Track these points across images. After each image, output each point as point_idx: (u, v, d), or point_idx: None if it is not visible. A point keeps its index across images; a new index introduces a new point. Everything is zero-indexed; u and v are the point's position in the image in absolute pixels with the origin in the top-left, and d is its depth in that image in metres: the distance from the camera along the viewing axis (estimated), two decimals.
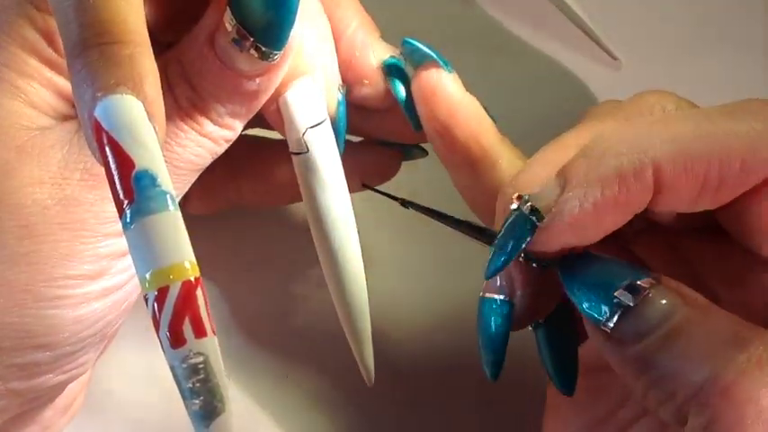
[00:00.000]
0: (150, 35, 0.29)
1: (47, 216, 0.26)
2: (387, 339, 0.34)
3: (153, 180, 0.22)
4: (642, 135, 0.26)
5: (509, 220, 0.27)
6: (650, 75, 0.44)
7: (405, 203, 0.30)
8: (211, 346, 0.21)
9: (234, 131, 0.29)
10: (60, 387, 0.30)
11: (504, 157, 0.32)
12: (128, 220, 0.22)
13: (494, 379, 0.29)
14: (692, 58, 0.44)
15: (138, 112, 0.22)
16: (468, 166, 0.32)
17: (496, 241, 0.27)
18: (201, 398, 0.21)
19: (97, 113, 0.22)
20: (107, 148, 0.22)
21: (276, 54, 0.27)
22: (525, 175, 0.29)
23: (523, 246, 0.27)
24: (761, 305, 0.29)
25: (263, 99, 0.29)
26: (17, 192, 0.26)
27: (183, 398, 0.21)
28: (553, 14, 0.45)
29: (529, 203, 0.27)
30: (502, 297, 0.29)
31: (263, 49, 0.27)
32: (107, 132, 0.22)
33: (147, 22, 0.29)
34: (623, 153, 0.26)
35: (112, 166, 0.22)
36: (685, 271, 0.30)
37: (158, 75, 0.23)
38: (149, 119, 0.22)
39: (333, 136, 0.31)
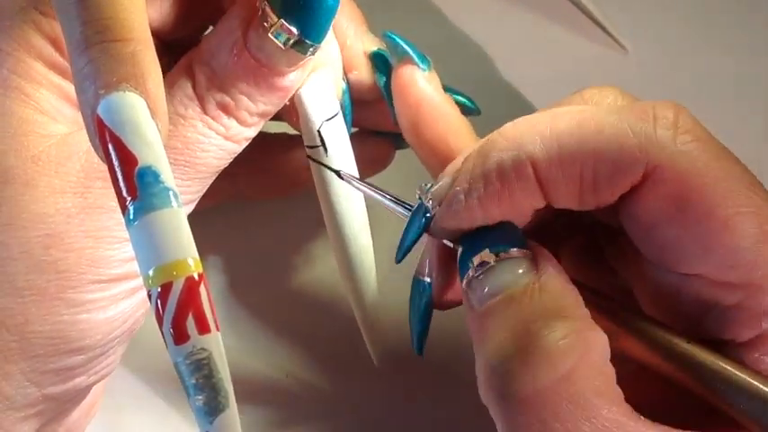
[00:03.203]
0: (157, 34, 0.29)
1: (71, 225, 0.27)
2: (391, 336, 0.35)
3: (156, 177, 0.22)
4: (526, 132, 0.27)
5: (413, 210, 0.29)
6: (656, 63, 0.44)
7: (339, 175, 0.31)
8: (215, 342, 0.21)
9: (257, 130, 0.29)
10: (89, 388, 0.30)
11: None
12: (131, 216, 0.22)
13: (419, 352, 0.31)
14: (697, 47, 0.45)
15: (140, 108, 0.22)
16: (437, 163, 0.32)
17: (403, 229, 0.29)
18: (205, 394, 0.21)
19: (100, 111, 0.22)
20: (110, 146, 0.22)
21: (315, 47, 0.27)
22: (456, 163, 0.30)
23: (420, 234, 0.29)
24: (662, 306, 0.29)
25: (291, 94, 0.29)
26: (40, 201, 0.27)
27: (187, 394, 0.21)
28: (561, 3, 0.45)
29: (428, 194, 0.29)
30: (428, 280, 0.30)
31: (307, 42, 0.27)
32: (110, 129, 0.22)
33: (157, 20, 0.29)
34: (506, 149, 0.27)
35: (115, 163, 0.22)
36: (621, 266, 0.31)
37: (161, 72, 0.23)
38: (152, 116, 0.23)
39: (345, 128, 0.32)
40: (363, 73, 0.33)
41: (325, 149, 0.31)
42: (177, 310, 0.21)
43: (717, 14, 0.46)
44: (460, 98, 0.34)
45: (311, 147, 0.31)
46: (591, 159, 0.26)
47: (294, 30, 0.27)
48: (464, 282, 0.27)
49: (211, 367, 0.21)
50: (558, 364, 0.25)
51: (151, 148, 0.22)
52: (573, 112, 0.27)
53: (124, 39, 0.23)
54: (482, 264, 0.27)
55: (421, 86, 0.32)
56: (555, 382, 0.24)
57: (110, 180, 0.26)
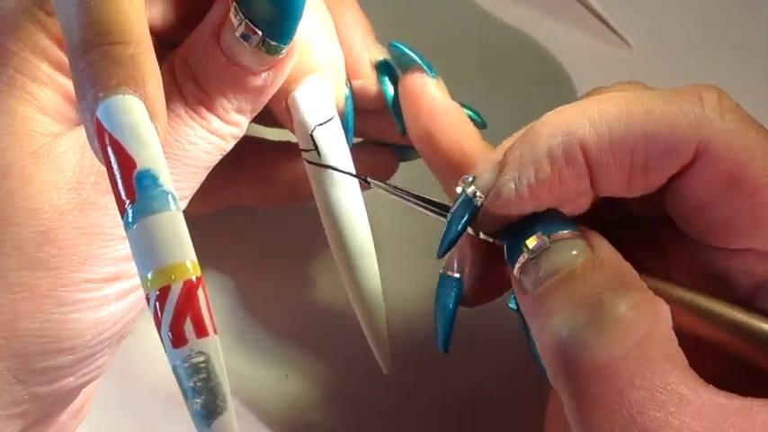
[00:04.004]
0: (159, 34, 0.29)
1: (65, 221, 0.27)
2: (399, 341, 0.35)
3: (154, 180, 0.22)
4: (573, 117, 0.27)
5: (456, 203, 0.29)
6: (660, 58, 0.44)
7: (366, 180, 0.31)
8: (213, 346, 0.21)
9: (241, 128, 0.29)
10: (78, 390, 0.30)
11: None
12: (129, 219, 0.22)
13: (444, 351, 0.31)
14: (701, 42, 0.45)
15: (139, 112, 0.22)
16: (450, 170, 0.32)
17: (446, 223, 0.29)
18: (203, 397, 0.21)
19: (99, 114, 0.22)
20: (109, 149, 0.22)
21: (283, 48, 0.27)
22: (495, 155, 0.30)
23: (466, 226, 0.29)
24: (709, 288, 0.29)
25: (269, 94, 0.29)
26: (35, 197, 0.26)
27: (185, 397, 0.21)
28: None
29: (472, 186, 0.29)
30: (456, 275, 0.30)
31: (271, 43, 0.27)
32: (109, 132, 0.22)
33: (158, 20, 0.29)
34: (554, 135, 0.27)
35: (114, 166, 0.22)
36: (655, 258, 0.31)
37: (160, 75, 0.23)
38: (151, 119, 0.23)
39: (342, 132, 0.32)
40: (368, 82, 0.33)
41: (319, 154, 0.31)
42: (175, 314, 0.21)
43: (720, 9, 0.46)
44: (467, 111, 0.34)
45: (305, 150, 0.31)
46: (642, 141, 0.27)
47: (258, 30, 0.27)
48: (516, 267, 0.28)
49: (209, 371, 0.21)
50: (632, 331, 0.25)
51: (150, 151, 0.22)
52: (618, 97, 0.28)
53: (124, 41, 0.23)
54: (536, 247, 0.27)
55: (432, 93, 0.32)
56: (630, 349, 0.25)
57: (103, 176, 0.26)
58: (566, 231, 0.27)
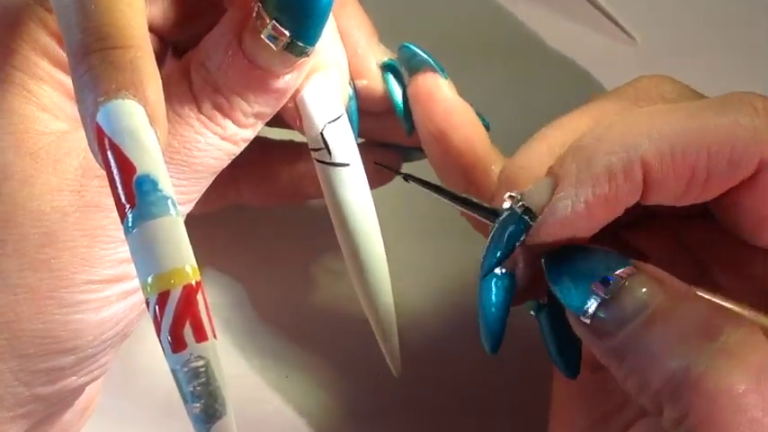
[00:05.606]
0: (161, 34, 0.29)
1: (67, 223, 0.27)
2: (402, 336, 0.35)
3: (154, 185, 0.22)
4: (631, 132, 0.27)
5: (502, 219, 0.28)
6: (665, 52, 0.44)
7: (406, 177, 0.31)
8: (212, 350, 0.22)
9: (255, 132, 0.29)
10: (81, 390, 0.30)
11: (496, 163, 0.32)
12: (129, 224, 0.22)
13: (493, 353, 0.29)
14: (706, 34, 0.45)
15: (139, 116, 0.22)
16: (461, 172, 0.32)
17: (490, 239, 0.28)
18: (202, 401, 0.21)
19: (99, 118, 0.22)
20: (109, 153, 0.22)
21: (309, 50, 0.27)
22: (520, 158, 0.30)
23: (516, 244, 0.28)
24: (758, 291, 0.29)
25: (288, 96, 0.29)
26: (36, 199, 0.26)
27: (184, 401, 0.22)
28: None
29: (521, 203, 0.28)
30: (503, 270, 0.29)
31: (298, 44, 0.27)
32: (109, 137, 0.22)
33: (159, 18, 0.29)
34: (613, 151, 0.27)
35: (114, 170, 0.22)
36: (685, 257, 0.31)
37: (160, 79, 0.23)
38: (151, 123, 0.23)
39: (350, 130, 0.31)
40: (372, 82, 0.33)
41: (329, 152, 0.31)
42: (175, 319, 0.21)
43: (725, 4, 0.46)
44: None
45: (315, 149, 0.31)
46: (704, 156, 0.26)
47: (286, 31, 0.26)
48: (589, 310, 0.26)
49: (209, 375, 0.21)
50: (760, 352, 0.24)
51: (150, 155, 0.22)
52: (672, 110, 0.27)
53: (124, 46, 0.23)
54: (612, 285, 0.26)
55: (446, 93, 0.32)
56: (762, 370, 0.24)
57: (107, 178, 0.26)
58: (628, 268, 0.26)
